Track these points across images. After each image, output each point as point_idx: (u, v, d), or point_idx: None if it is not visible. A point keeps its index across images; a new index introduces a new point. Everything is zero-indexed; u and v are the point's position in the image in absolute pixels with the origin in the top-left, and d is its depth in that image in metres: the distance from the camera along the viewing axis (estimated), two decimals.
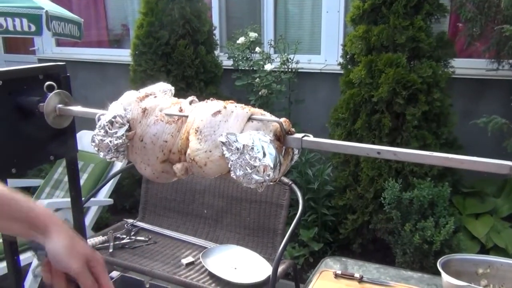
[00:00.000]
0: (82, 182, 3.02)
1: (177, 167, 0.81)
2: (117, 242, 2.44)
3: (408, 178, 2.64)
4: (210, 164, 0.76)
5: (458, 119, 2.79)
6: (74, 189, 1.17)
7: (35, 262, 2.50)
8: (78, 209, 1.19)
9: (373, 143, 2.72)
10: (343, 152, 0.77)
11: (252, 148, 0.71)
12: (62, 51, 5.09)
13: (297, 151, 0.83)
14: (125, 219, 2.72)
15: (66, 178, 3.08)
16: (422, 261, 2.44)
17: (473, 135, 2.83)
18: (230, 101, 0.81)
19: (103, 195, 2.90)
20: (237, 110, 0.77)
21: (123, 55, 4.24)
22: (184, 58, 3.29)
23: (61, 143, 1.08)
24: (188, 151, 0.78)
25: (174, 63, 3.32)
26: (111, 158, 0.86)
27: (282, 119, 0.76)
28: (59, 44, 5.13)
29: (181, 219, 2.64)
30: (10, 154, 1.02)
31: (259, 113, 0.78)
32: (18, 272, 1.12)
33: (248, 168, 0.71)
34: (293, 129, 0.78)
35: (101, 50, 4.91)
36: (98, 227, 3.18)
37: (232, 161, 0.72)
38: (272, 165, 0.71)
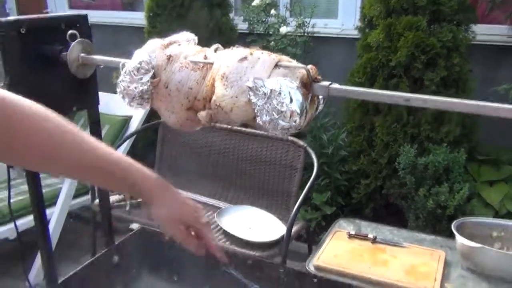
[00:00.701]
0: None
1: (202, 114, 0.82)
2: (133, 201, 2.48)
3: (424, 143, 2.62)
4: (236, 110, 0.76)
5: (477, 86, 2.75)
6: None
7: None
8: None
9: (389, 108, 2.70)
10: (371, 99, 0.77)
11: (279, 93, 0.71)
12: None
13: (322, 100, 0.83)
14: None
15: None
16: (435, 225, 2.45)
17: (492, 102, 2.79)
18: (256, 48, 0.80)
19: None
20: (264, 57, 0.77)
21: (137, 18, 4.20)
22: (199, 20, 3.25)
23: (84, 94, 1.09)
24: (214, 97, 0.78)
25: (189, 25, 3.28)
26: (136, 105, 0.86)
27: (309, 66, 0.76)
28: (71, 6, 5.09)
29: (195, 180, 2.67)
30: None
31: (286, 60, 0.77)
32: (44, 225, 1.16)
33: (274, 114, 0.71)
34: (319, 77, 0.77)
35: (114, 13, 4.86)
36: None
37: (258, 106, 0.72)
38: (299, 111, 0.71)
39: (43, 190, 2.70)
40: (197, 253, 0.96)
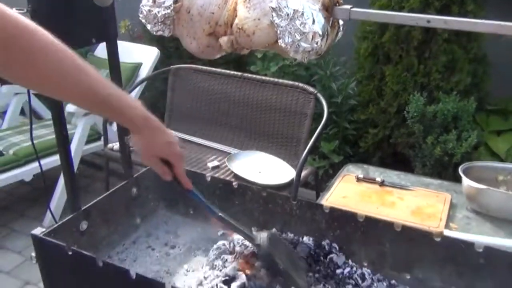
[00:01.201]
0: None
1: (224, 39, 0.83)
2: None
3: (433, 93, 2.62)
4: (259, 32, 0.77)
5: (489, 35, 2.71)
6: (115, 72, 1.20)
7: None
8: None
9: (400, 57, 2.68)
10: (392, 22, 0.78)
11: (302, 14, 0.72)
12: None
13: (342, 27, 0.84)
14: None
15: None
16: (441, 173, 2.49)
17: (503, 53, 2.76)
18: None
19: None
20: None
21: None
22: None
23: (103, 26, 1.10)
24: (236, 21, 0.79)
25: None
26: (157, 31, 0.87)
27: None
28: None
29: (206, 127, 2.70)
30: (55, 34, 1.04)
31: None
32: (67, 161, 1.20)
33: (297, 35, 0.73)
34: (341, 1, 0.78)
35: None
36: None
37: (281, 27, 0.74)
38: (320, 33, 0.73)
39: (54, 136, 2.77)
40: (165, 178, 1.07)
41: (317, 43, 0.73)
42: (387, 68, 2.74)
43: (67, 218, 1.14)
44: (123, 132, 1.32)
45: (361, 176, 2.01)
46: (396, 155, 2.90)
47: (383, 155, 2.94)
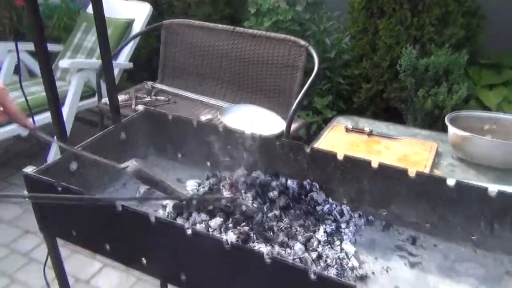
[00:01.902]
0: None
1: None
2: (139, 101, 2.56)
3: (426, 46, 2.63)
4: None
5: None
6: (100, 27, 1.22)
7: None
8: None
9: (394, 9, 2.67)
10: None
11: None
12: None
13: None
14: (145, 81, 2.81)
15: (85, 43, 3.13)
16: (431, 126, 2.52)
17: (498, 6, 2.74)
18: None
19: (123, 59, 2.96)
20: None
21: None
22: None
23: None
24: None
25: None
26: None
27: None
28: None
29: (199, 81, 2.72)
30: None
31: None
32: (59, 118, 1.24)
33: None
34: None
35: None
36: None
37: None
38: None
39: None
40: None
41: None
42: (381, 21, 2.74)
43: (57, 158, 1.18)
44: (111, 82, 1.34)
45: (350, 126, 2.04)
46: (389, 110, 2.93)
47: (376, 110, 2.97)
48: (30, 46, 3.27)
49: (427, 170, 1.73)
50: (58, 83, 3.14)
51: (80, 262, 2.29)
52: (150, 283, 2.14)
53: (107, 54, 1.35)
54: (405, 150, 1.88)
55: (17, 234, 2.41)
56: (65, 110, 2.75)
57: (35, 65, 3.41)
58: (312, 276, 0.79)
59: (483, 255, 1.08)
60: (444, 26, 2.62)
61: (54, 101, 1.21)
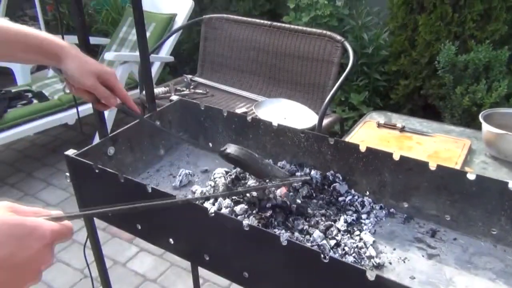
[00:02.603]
0: None
1: None
2: (177, 93, 2.65)
3: (467, 42, 2.57)
4: None
5: None
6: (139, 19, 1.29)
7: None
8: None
9: (434, 5, 2.63)
10: None
11: None
12: None
13: None
14: (184, 75, 2.91)
15: (130, 36, 3.25)
16: (469, 124, 2.47)
17: None
18: None
19: (165, 53, 3.07)
20: None
21: None
22: None
23: None
24: None
25: None
26: None
27: None
28: None
29: (236, 75, 2.78)
30: None
31: None
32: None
33: None
34: None
35: None
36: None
37: None
38: None
39: None
40: (110, 104, 1.14)
41: None
42: (421, 17, 2.70)
43: (95, 143, 1.27)
44: (147, 74, 1.42)
45: (382, 122, 2.05)
46: (426, 107, 2.90)
47: (414, 107, 2.94)
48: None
49: (457, 167, 1.72)
50: None
51: (118, 246, 2.41)
52: (182, 268, 2.24)
53: (144, 46, 1.42)
54: (436, 146, 1.87)
55: None
56: None
57: None
58: (324, 259, 0.83)
59: (503, 250, 1.08)
60: (487, 22, 2.56)
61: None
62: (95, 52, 3.65)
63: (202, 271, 1.95)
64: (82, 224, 2.45)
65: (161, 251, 2.34)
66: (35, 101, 2.80)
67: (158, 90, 2.65)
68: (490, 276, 1.02)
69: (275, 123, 1.33)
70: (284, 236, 0.93)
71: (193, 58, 3.79)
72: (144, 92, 2.71)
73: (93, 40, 3.48)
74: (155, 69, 3.12)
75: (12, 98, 2.73)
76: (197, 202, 1.02)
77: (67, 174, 1.24)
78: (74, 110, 2.81)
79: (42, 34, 1.06)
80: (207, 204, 1.23)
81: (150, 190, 1.05)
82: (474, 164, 1.78)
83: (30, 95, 2.84)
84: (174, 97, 1.53)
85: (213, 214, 0.96)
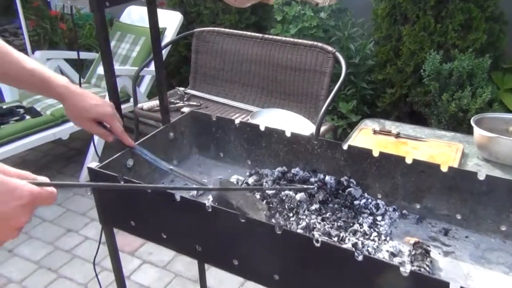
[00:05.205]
0: (135, 54, 3.21)
1: None
2: (171, 106, 2.68)
3: (450, 51, 2.70)
4: None
5: None
6: (154, 28, 1.33)
7: None
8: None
9: (417, 16, 2.75)
10: None
11: None
12: None
13: None
14: (177, 87, 2.94)
15: (119, 51, 3.26)
16: (456, 129, 2.58)
17: None
18: None
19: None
20: None
21: None
22: None
23: None
24: None
25: None
26: None
27: None
28: None
29: (229, 87, 2.83)
30: None
31: None
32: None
33: None
34: None
35: None
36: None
37: None
38: None
39: None
40: (106, 139, 1.24)
41: None
42: (404, 28, 2.81)
43: (115, 155, 1.30)
44: (161, 86, 1.46)
45: (377, 129, 2.13)
46: (412, 114, 3.00)
47: (400, 114, 3.04)
48: (67, 55, 3.46)
49: None
50: (93, 90, 3.29)
51: (121, 259, 2.40)
52: (187, 279, 2.25)
53: (160, 62, 1.46)
54: (432, 151, 1.96)
55: (60, 233, 2.54)
56: None
57: (71, 72, 3.57)
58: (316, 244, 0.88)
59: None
60: (468, 32, 2.68)
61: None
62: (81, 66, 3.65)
63: (208, 282, 1.97)
64: (82, 239, 2.45)
65: (164, 263, 2.35)
66: (27, 116, 2.78)
67: (151, 103, 2.67)
68: (503, 269, 1.09)
69: (288, 132, 1.38)
70: (316, 237, 0.97)
71: (180, 71, 3.82)
72: (138, 105, 2.74)
73: (80, 55, 3.48)
74: (146, 83, 3.14)
75: (4, 115, 2.71)
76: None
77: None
78: (67, 125, 2.80)
79: (47, 72, 1.12)
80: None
81: (178, 199, 1.09)
82: (468, 167, 1.87)
83: (22, 111, 2.81)
84: (185, 109, 1.56)
85: (243, 221, 1.00)
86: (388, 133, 2.11)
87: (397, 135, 2.08)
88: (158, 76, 1.46)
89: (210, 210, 1.04)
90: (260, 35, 2.72)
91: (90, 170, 1.21)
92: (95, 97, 1.18)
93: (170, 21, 3.22)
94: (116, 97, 1.34)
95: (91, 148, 2.91)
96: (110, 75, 1.29)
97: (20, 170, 0.74)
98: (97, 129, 1.20)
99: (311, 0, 2.66)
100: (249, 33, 2.79)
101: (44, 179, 0.75)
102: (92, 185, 1.14)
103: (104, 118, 1.19)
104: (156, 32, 1.36)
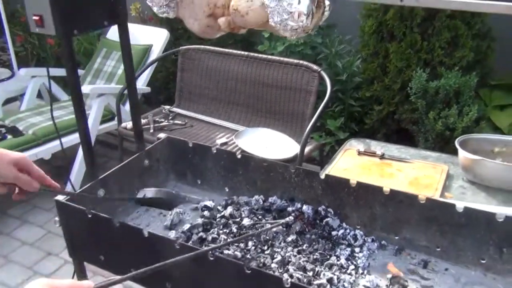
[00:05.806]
0: (120, 71, 3.18)
1: (221, 20, 0.92)
2: (156, 125, 2.65)
3: (437, 69, 2.68)
4: (251, 13, 0.86)
5: None
6: (126, 53, 1.30)
7: None
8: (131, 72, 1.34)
9: (404, 33, 2.74)
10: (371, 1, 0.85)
11: None
12: None
13: (328, 7, 0.92)
14: (162, 106, 2.90)
15: (105, 68, 3.24)
16: (443, 148, 2.56)
17: (509, 27, 2.79)
18: None
19: (141, 83, 3.06)
20: None
21: None
22: None
23: (114, 10, 1.20)
24: (232, 3, 0.88)
25: None
26: (163, 13, 0.97)
27: None
28: None
29: (214, 105, 2.80)
30: (71, 18, 1.14)
31: None
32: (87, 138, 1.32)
33: (284, 15, 0.82)
34: None
35: None
36: None
37: (271, 8, 0.83)
38: (305, 12, 0.81)
39: (70, 117, 2.86)
40: (35, 189, 1.15)
41: (302, 22, 0.82)
42: (391, 45, 2.80)
43: (86, 186, 1.26)
44: (136, 110, 1.42)
45: (362, 150, 2.10)
46: (400, 131, 2.98)
47: (388, 131, 3.02)
48: (53, 72, 3.42)
49: (438, 193, 1.78)
50: None
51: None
52: None
53: (132, 84, 1.43)
54: (416, 173, 1.93)
55: (40, 256, 2.48)
56: None
57: (57, 89, 3.54)
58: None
59: (492, 279, 1.12)
60: (454, 49, 2.67)
61: (83, 128, 1.29)
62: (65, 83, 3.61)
63: None
64: (62, 263, 2.40)
65: None
66: (9, 136, 2.73)
67: None
68: None
69: (265, 159, 1.35)
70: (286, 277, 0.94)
71: (168, 87, 3.79)
72: (122, 124, 2.70)
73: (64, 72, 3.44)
74: None
75: None
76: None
77: (56, 219, 1.22)
78: (50, 145, 2.75)
79: None
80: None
81: (146, 235, 1.05)
82: (453, 189, 1.84)
83: (3, 130, 2.77)
84: (161, 135, 1.53)
85: (212, 259, 0.96)
86: (373, 154, 2.08)
87: (382, 156, 2.05)
88: (132, 102, 1.42)
89: (178, 247, 1.01)
90: (246, 53, 2.70)
91: (58, 203, 1.17)
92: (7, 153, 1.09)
93: (157, 38, 3.20)
94: (85, 123, 1.30)
95: (76, 164, 2.86)
96: (80, 114, 1.25)
97: (66, 280, 0.70)
98: (23, 177, 1.11)
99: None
100: (234, 51, 2.76)
101: (88, 284, 0.70)
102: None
103: (24, 162, 1.11)
104: (127, 50, 1.33)
